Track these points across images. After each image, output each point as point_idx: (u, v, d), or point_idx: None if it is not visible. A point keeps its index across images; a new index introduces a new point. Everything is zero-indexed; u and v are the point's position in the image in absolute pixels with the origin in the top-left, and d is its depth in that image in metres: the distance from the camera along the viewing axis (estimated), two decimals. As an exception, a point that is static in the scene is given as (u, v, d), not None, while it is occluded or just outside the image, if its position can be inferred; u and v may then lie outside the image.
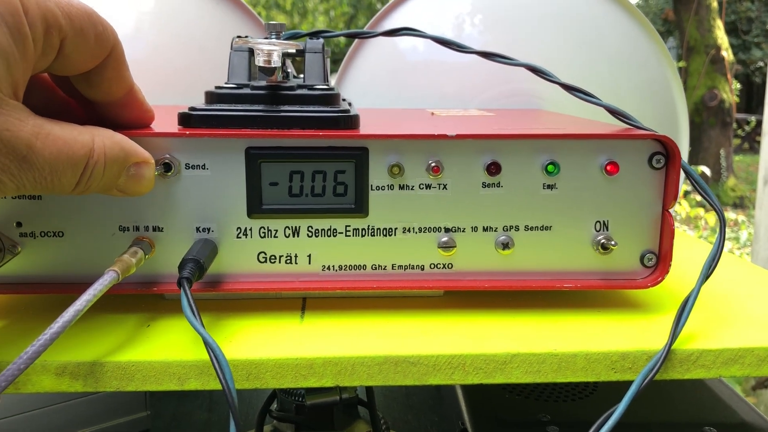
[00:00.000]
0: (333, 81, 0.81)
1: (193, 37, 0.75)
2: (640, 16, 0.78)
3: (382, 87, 0.79)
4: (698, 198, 4.25)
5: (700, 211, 3.38)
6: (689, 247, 0.65)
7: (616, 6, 0.79)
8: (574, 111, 0.69)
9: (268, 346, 0.41)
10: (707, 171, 4.43)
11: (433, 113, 0.63)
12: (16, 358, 0.35)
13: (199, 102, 0.47)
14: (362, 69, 0.80)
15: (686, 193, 4.28)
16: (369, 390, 0.58)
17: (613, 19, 0.79)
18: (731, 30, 10.08)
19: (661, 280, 0.46)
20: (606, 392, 0.53)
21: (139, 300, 0.47)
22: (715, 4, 7.20)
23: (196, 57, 0.75)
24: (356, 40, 0.81)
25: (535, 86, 0.72)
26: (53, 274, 0.44)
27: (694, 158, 6.50)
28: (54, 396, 0.54)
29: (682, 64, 7.16)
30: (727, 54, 7.18)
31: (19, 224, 0.44)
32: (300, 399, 0.55)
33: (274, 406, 0.57)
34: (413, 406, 0.64)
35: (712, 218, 3.30)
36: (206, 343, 0.36)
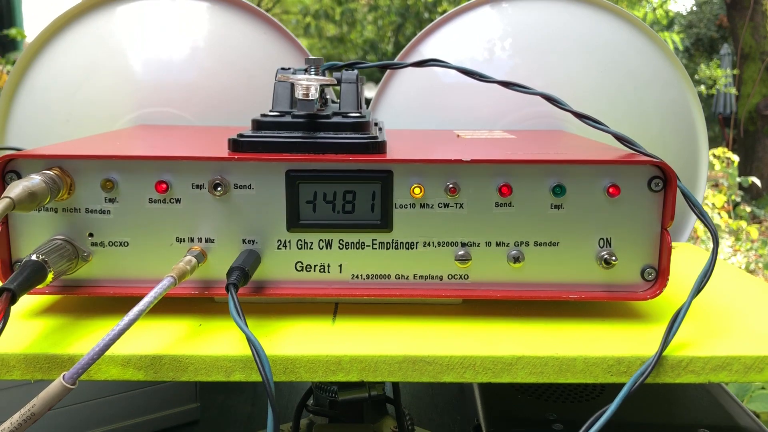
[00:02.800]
0: (373, 94, 0.87)
1: (242, 64, 0.82)
2: (661, 41, 0.82)
3: (417, 108, 0.85)
4: (748, 209, 4.18)
5: (743, 223, 3.34)
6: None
7: (638, 32, 0.83)
8: (593, 131, 0.73)
9: (303, 345, 0.47)
10: (758, 182, 4.35)
11: (458, 135, 0.68)
12: (89, 350, 0.42)
13: (247, 127, 0.54)
14: (399, 90, 0.86)
15: (735, 205, 4.22)
16: (395, 388, 0.63)
17: (636, 44, 0.83)
18: (788, 37, 9.80)
19: (659, 293, 0.50)
20: (612, 394, 0.57)
21: (193, 303, 0.53)
22: (771, 11, 7.05)
23: (245, 82, 0.81)
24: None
25: (557, 109, 0.77)
26: (119, 278, 0.51)
27: (747, 168, 6.36)
28: (117, 387, 0.61)
29: (735, 71, 7.03)
30: (784, 61, 7.02)
31: (90, 235, 0.51)
32: (333, 395, 0.61)
33: (311, 401, 0.63)
34: (438, 405, 0.69)
35: (754, 231, 3.27)
36: (249, 341, 0.43)
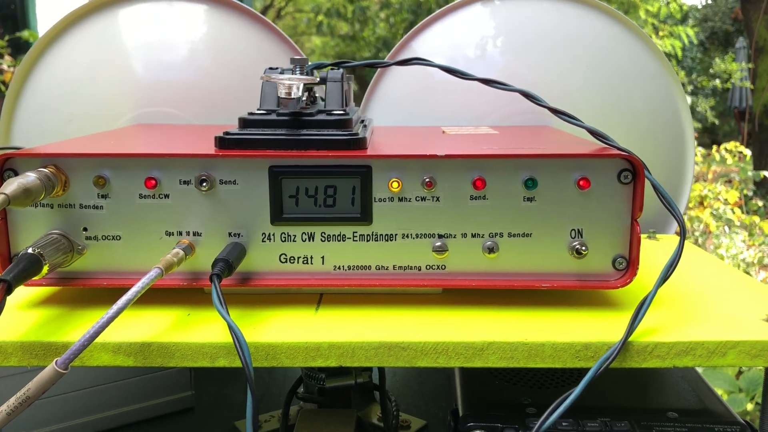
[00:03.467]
0: (366, 92, 0.89)
1: (238, 64, 0.84)
2: (646, 37, 0.83)
3: (408, 105, 0.87)
4: (760, 203, 4.16)
5: (756, 218, 3.33)
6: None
7: (625, 29, 0.84)
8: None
9: (285, 332, 0.49)
10: (769, 176, 4.33)
11: (444, 131, 0.70)
12: (80, 337, 0.44)
13: (236, 125, 0.56)
14: (391, 87, 0.88)
15: (748, 199, 4.20)
16: (381, 376, 0.65)
17: (623, 40, 0.84)
18: (803, 29, 9.70)
19: (629, 282, 0.52)
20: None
21: (184, 294, 0.56)
22: (785, 3, 6.99)
23: (241, 82, 0.84)
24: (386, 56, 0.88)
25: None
26: (112, 271, 0.54)
27: (762, 162, 6.31)
28: (113, 374, 0.63)
29: (750, 65, 6.97)
30: (798, 54, 6.95)
31: (85, 229, 0.53)
32: (321, 383, 0.63)
33: (301, 389, 0.66)
34: (425, 394, 0.72)
35: (766, 226, 3.26)
36: (230, 327, 0.45)
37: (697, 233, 3.51)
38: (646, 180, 0.51)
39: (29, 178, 0.49)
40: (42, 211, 0.53)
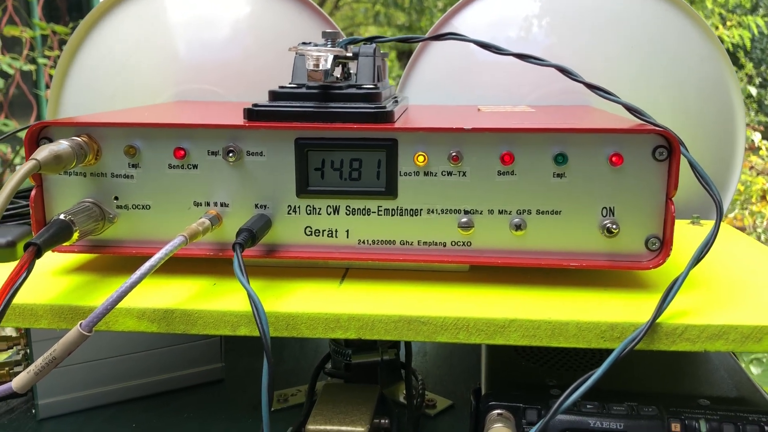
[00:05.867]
0: (404, 73, 0.88)
1: (281, 44, 0.84)
2: (697, 16, 0.80)
3: (447, 84, 0.86)
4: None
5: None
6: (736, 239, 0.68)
7: (673, 7, 0.81)
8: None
9: (306, 303, 0.49)
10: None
11: (479, 109, 0.69)
12: (103, 302, 0.45)
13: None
14: (431, 66, 0.87)
15: None
16: (407, 353, 0.65)
17: (671, 19, 0.81)
18: None
19: (662, 263, 0.50)
20: (618, 365, 0.57)
21: (212, 264, 0.56)
22: None
23: (282, 61, 0.84)
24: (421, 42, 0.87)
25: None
26: (142, 239, 0.55)
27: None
28: (146, 344, 0.65)
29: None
30: None
31: (116, 198, 0.54)
32: (348, 359, 0.63)
33: (328, 365, 0.66)
34: (454, 375, 0.71)
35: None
36: (249, 296, 0.45)
37: (759, 229, 3.39)
38: (682, 158, 0.49)
39: (61, 145, 0.50)
40: (76, 179, 0.54)
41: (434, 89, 0.86)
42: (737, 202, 3.47)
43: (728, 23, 7.05)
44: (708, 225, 0.75)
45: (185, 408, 0.64)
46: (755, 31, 6.93)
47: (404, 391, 0.64)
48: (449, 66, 0.88)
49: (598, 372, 0.44)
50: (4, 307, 0.45)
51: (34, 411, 0.61)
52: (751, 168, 3.51)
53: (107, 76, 0.84)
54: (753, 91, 4.44)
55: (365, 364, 0.63)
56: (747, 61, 5.71)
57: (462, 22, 0.87)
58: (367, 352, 0.63)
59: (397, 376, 0.67)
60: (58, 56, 2.72)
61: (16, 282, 0.45)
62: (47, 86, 3.05)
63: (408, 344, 0.66)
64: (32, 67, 2.89)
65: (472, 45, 0.87)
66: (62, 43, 2.82)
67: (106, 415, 0.61)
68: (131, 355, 0.63)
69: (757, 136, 3.69)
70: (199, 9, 0.86)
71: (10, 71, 2.72)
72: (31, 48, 2.89)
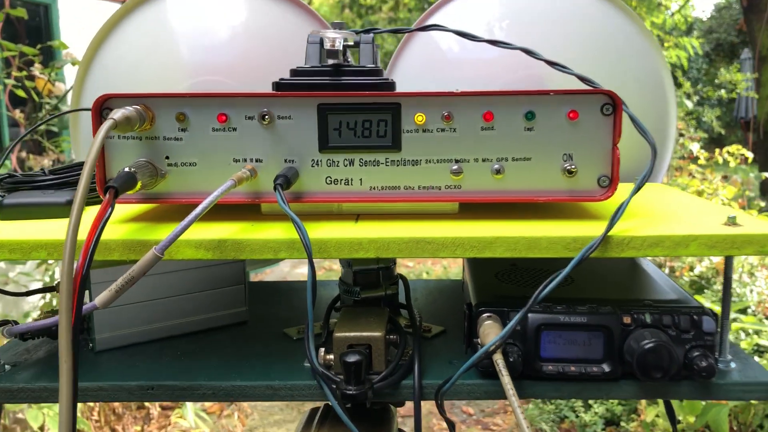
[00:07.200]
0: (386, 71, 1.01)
1: (278, 42, 0.97)
2: (637, 18, 0.95)
3: (424, 78, 0.99)
4: (762, 204, 4.25)
5: (754, 212, 3.44)
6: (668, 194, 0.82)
7: (617, 9, 0.96)
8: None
9: (333, 232, 0.61)
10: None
11: (458, 89, 0.82)
12: (174, 229, 0.56)
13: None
14: (408, 63, 1.00)
15: (760, 210, 4.30)
16: (407, 289, 0.77)
17: (615, 20, 0.96)
18: (807, 39, 9.81)
19: (611, 195, 0.64)
20: (579, 284, 0.71)
21: (246, 213, 0.68)
22: (788, 13, 7.11)
23: (281, 60, 0.96)
24: (403, 39, 1.01)
25: (541, 71, 0.91)
26: (189, 192, 0.66)
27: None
28: (184, 288, 0.75)
29: (755, 75, 7.08)
30: (802, 63, 7.05)
31: (167, 157, 0.65)
32: (357, 295, 0.75)
33: (338, 304, 0.77)
34: (441, 310, 0.83)
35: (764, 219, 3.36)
36: (292, 219, 0.57)
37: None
38: (623, 113, 0.63)
39: (129, 109, 0.61)
40: (132, 142, 0.65)
41: (410, 85, 1.00)
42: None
43: (666, 44, 7.42)
44: (653, 186, 0.89)
45: (220, 340, 0.74)
46: (691, 52, 7.32)
47: (403, 322, 0.76)
48: (423, 63, 1.01)
49: (565, 271, 0.57)
50: (96, 237, 0.55)
51: (91, 345, 0.71)
52: (690, 175, 3.75)
53: (122, 78, 0.95)
54: (690, 105, 4.71)
55: (372, 298, 0.75)
56: (685, 80, 6.04)
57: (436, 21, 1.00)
58: (372, 289, 0.75)
59: (396, 313, 0.78)
60: (25, 76, 2.78)
61: (103, 217, 0.56)
62: (8, 108, 3.10)
63: (406, 282, 0.79)
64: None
65: (443, 46, 1.02)
66: (29, 64, 2.88)
67: (152, 348, 0.71)
68: (171, 298, 0.73)
69: (695, 146, 3.94)
70: (205, 13, 0.98)
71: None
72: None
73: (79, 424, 2.30)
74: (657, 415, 2.39)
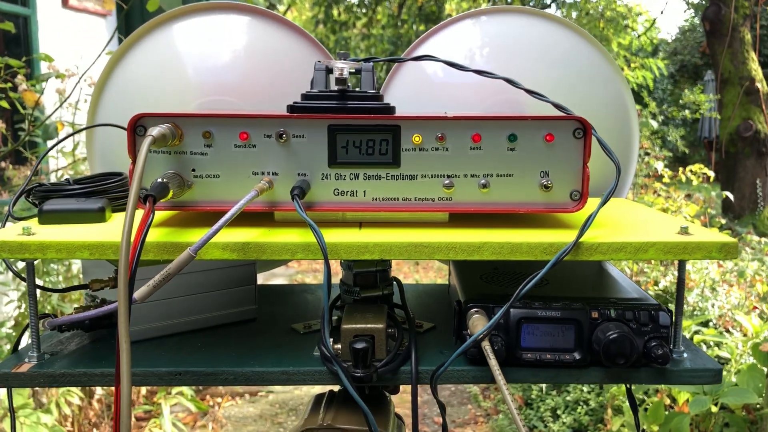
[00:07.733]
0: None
1: (279, 66, 1.06)
2: (601, 47, 1.07)
3: (412, 102, 1.09)
4: (723, 221, 4.42)
5: (715, 229, 3.61)
6: (628, 208, 0.93)
7: (584, 40, 1.07)
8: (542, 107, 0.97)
9: (341, 237, 0.70)
10: (731, 196, 4.61)
11: (446, 113, 0.92)
12: (207, 231, 0.65)
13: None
14: (397, 92, 1.10)
15: (721, 227, 4.47)
16: (401, 290, 0.86)
17: (582, 50, 1.07)
18: (766, 62, 10.20)
19: (581, 207, 0.74)
20: (554, 285, 0.81)
21: (262, 222, 0.76)
22: (749, 37, 7.39)
23: (281, 80, 1.05)
24: (394, 66, 1.11)
25: (517, 97, 1.01)
26: (213, 200, 0.75)
27: (730, 188, 6.63)
28: (201, 288, 0.84)
29: (717, 96, 7.34)
30: (762, 85, 7.32)
31: (193, 170, 0.74)
32: (357, 295, 0.84)
33: (339, 303, 0.86)
34: (430, 310, 0.93)
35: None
36: (309, 223, 0.66)
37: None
38: (593, 137, 0.73)
39: (163, 127, 0.70)
40: (162, 156, 0.74)
41: (403, 102, 1.09)
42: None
43: (632, 65, 7.65)
44: (618, 201, 1.00)
45: (233, 335, 0.83)
46: (656, 73, 7.56)
47: (398, 319, 0.85)
48: (411, 90, 1.11)
49: (543, 271, 0.67)
50: (142, 240, 0.64)
51: (117, 338, 0.79)
52: (655, 192, 3.91)
53: (134, 98, 1.03)
54: (655, 124, 4.89)
55: (370, 298, 0.84)
56: (650, 100, 6.25)
57: (425, 51, 1.10)
58: (370, 289, 0.84)
59: (391, 310, 0.87)
60: (10, 88, 2.83)
61: (147, 222, 0.65)
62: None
63: (400, 284, 0.88)
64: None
65: (431, 73, 1.12)
66: (13, 75, 2.92)
67: (172, 342, 0.79)
68: (189, 296, 0.82)
69: (660, 165, 4.11)
70: (210, 38, 1.07)
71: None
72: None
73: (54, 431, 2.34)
74: (623, 425, 2.50)
